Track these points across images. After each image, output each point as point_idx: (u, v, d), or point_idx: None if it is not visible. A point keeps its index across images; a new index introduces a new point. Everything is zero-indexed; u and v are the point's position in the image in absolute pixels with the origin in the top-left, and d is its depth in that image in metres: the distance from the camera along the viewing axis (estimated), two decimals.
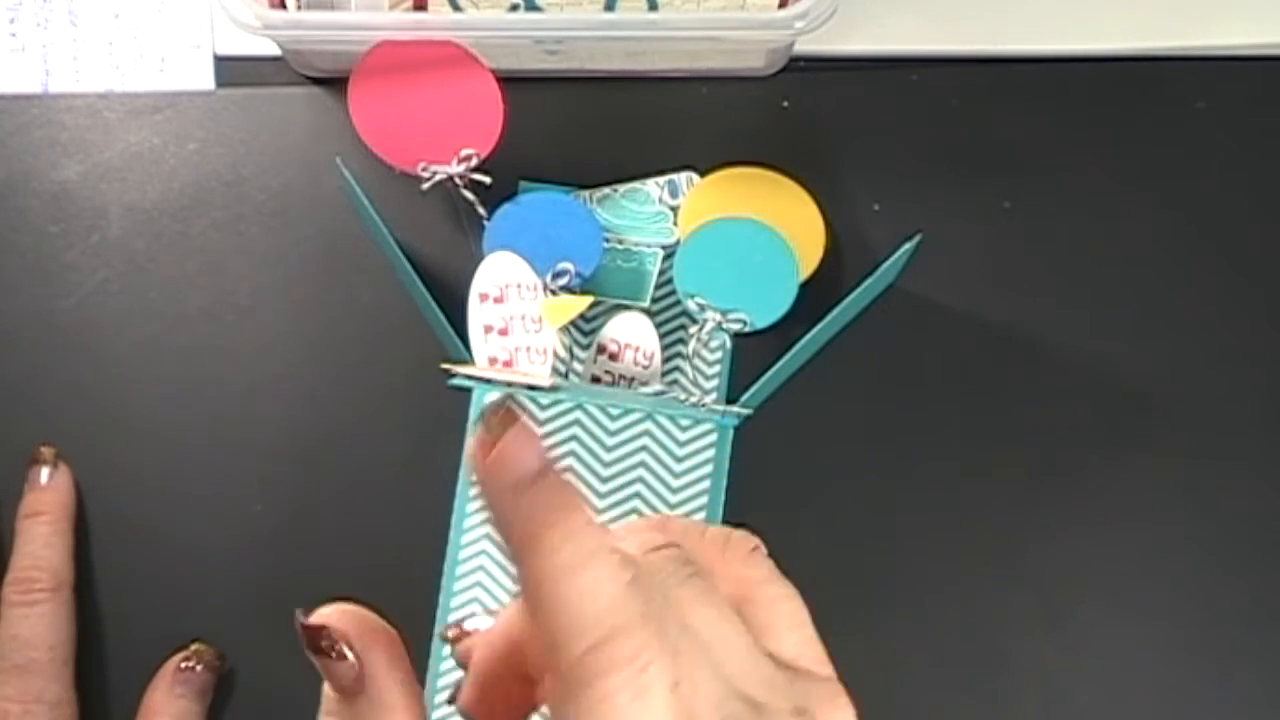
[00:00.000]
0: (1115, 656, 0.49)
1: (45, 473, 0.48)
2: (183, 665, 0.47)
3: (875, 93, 0.51)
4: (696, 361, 0.49)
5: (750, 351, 0.49)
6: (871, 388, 0.50)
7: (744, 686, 0.27)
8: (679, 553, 0.29)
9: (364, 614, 0.32)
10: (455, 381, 0.48)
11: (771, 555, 0.49)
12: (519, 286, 0.47)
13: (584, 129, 0.51)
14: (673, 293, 0.48)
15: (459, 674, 0.48)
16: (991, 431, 0.50)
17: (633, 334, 0.48)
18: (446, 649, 0.48)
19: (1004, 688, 0.49)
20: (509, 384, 0.47)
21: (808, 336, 0.46)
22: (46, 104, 0.51)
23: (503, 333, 0.47)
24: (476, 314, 0.47)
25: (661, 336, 0.49)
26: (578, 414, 0.49)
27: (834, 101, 0.51)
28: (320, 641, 0.31)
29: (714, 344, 0.50)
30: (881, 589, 0.49)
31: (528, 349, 0.47)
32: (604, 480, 0.48)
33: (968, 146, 0.51)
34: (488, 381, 0.48)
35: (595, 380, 0.49)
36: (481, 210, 0.48)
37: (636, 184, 0.51)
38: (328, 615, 0.31)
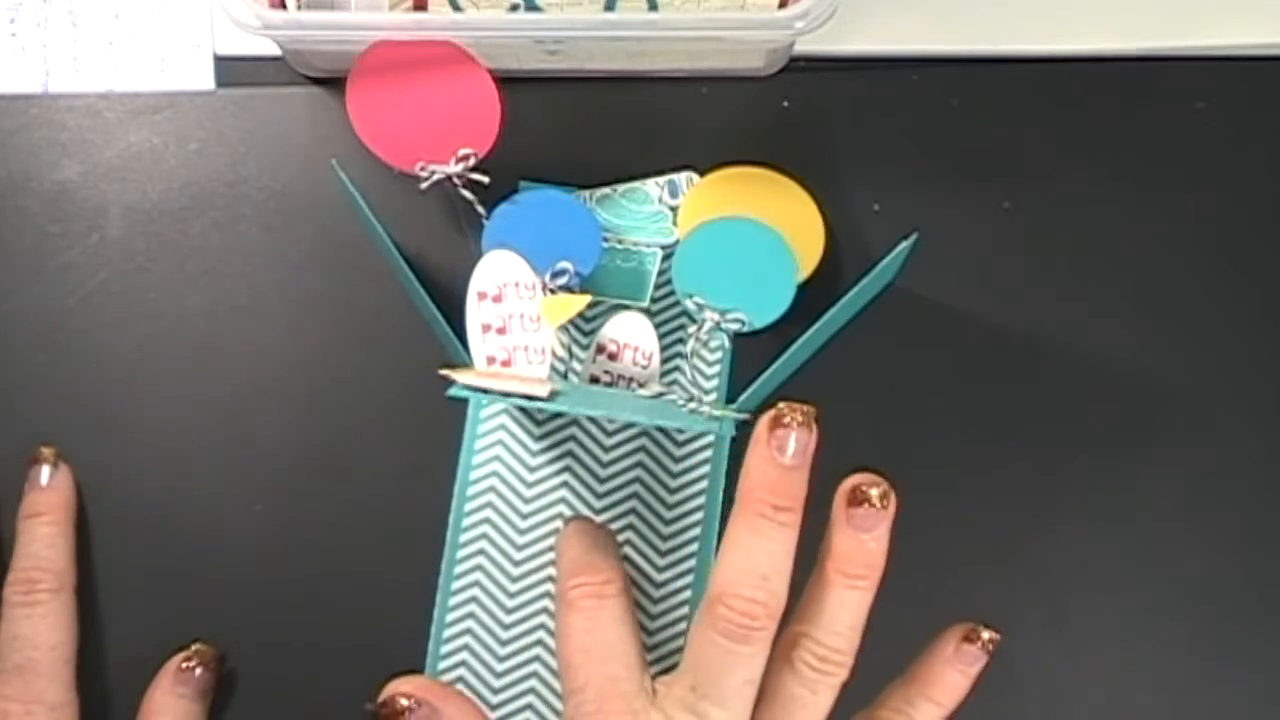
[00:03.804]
0: (1116, 655, 0.49)
1: (45, 473, 0.48)
2: (183, 665, 0.47)
3: (875, 93, 0.51)
4: (696, 361, 0.49)
5: (750, 351, 0.49)
6: (871, 388, 0.50)
7: None
8: None
9: (424, 679, 0.40)
10: (453, 392, 0.47)
11: None
12: (517, 285, 0.47)
13: (584, 129, 0.51)
14: (672, 293, 0.48)
15: (458, 675, 0.48)
16: (991, 431, 0.50)
17: (632, 334, 0.48)
18: (445, 649, 0.48)
19: (1004, 687, 0.49)
20: (506, 394, 0.47)
21: (807, 336, 0.46)
22: (46, 104, 0.51)
23: (501, 331, 0.47)
24: (475, 313, 0.47)
25: (661, 336, 0.49)
26: (574, 421, 0.49)
27: (834, 101, 0.51)
28: (398, 706, 0.38)
29: (713, 344, 0.49)
30: (880, 588, 0.49)
31: (526, 348, 0.47)
32: (601, 481, 0.48)
33: (968, 146, 0.51)
34: (485, 392, 0.47)
35: (594, 380, 0.49)
36: (480, 210, 0.48)
37: (636, 184, 0.51)
38: (395, 686, 0.39)
